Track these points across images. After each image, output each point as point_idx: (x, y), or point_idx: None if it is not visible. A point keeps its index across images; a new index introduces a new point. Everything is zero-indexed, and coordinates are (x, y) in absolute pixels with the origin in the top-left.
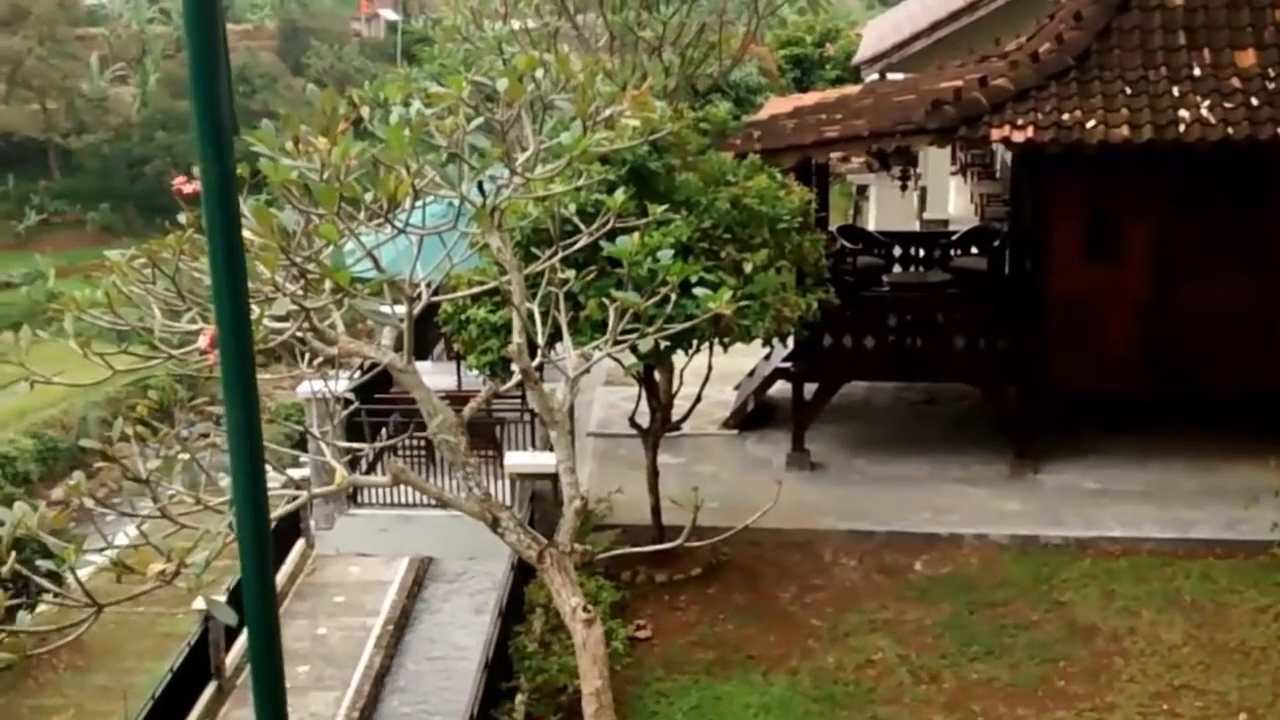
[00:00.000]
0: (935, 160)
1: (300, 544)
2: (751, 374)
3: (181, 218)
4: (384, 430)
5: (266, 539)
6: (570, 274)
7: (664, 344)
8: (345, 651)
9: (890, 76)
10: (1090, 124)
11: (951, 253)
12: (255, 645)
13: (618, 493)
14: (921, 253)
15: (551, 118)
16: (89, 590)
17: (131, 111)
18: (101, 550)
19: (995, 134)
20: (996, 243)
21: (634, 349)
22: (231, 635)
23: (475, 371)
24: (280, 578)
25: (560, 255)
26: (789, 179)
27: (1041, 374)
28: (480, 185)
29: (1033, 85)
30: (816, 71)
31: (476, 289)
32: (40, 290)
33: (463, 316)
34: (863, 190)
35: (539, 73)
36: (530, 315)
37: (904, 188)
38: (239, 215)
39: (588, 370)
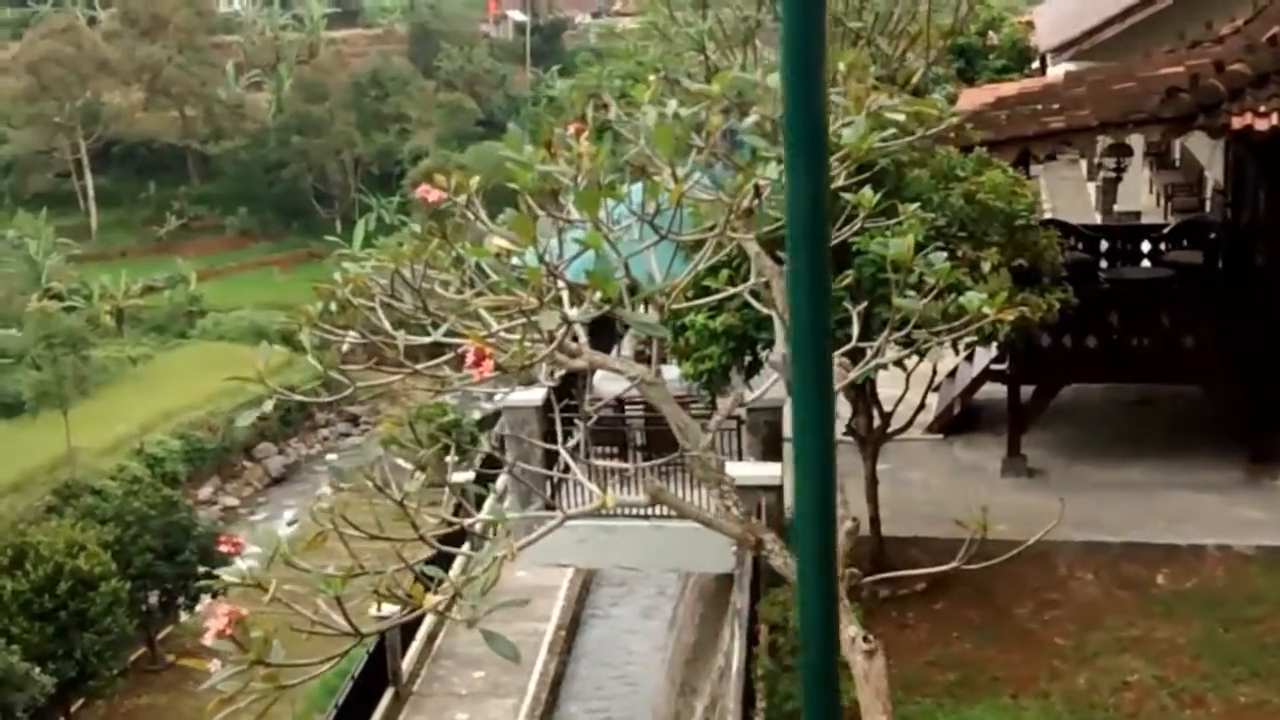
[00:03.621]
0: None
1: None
2: (952, 376)
3: (415, 226)
4: (569, 439)
5: (832, 581)
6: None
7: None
8: (520, 657)
9: (1059, 67)
10: None
11: (1161, 246)
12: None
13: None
14: (1128, 247)
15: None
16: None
17: (267, 117)
18: (359, 575)
19: (1237, 122)
20: (1212, 235)
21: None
22: (406, 640)
23: (689, 380)
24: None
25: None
26: (1019, 173)
27: (1277, 373)
28: (756, 188)
29: (1272, 70)
30: (980, 61)
31: (718, 295)
32: (183, 293)
33: (680, 322)
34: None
35: None
36: (758, 323)
37: (1118, 180)
38: (828, 236)
39: (851, 381)
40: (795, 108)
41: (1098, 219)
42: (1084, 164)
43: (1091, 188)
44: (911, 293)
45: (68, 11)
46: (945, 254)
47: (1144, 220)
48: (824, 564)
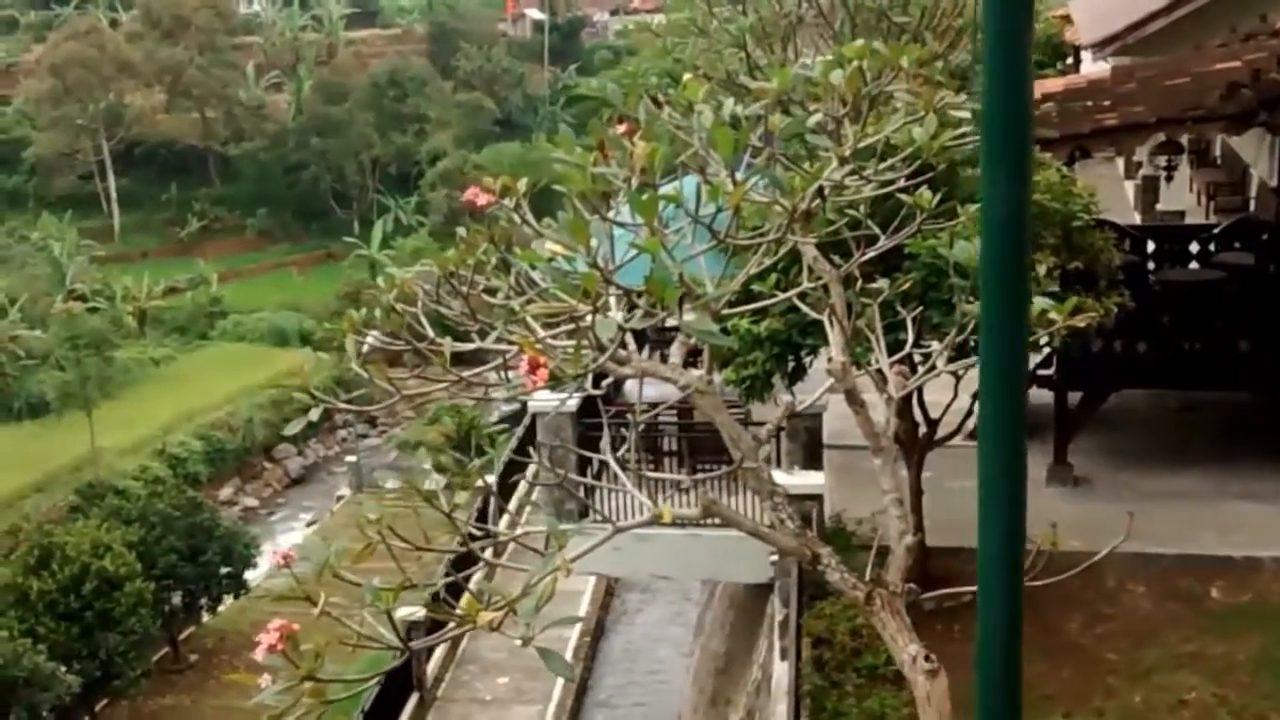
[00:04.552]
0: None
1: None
2: None
3: (461, 230)
4: (611, 445)
5: (1017, 636)
6: (884, 283)
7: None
8: (543, 663)
9: (1099, 63)
10: None
11: (1210, 248)
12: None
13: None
14: (1176, 248)
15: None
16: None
17: (287, 118)
18: (410, 587)
19: None
20: (1264, 236)
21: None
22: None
23: (730, 385)
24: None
25: (861, 259)
26: (1071, 173)
27: None
28: (821, 189)
29: None
30: None
31: (771, 300)
32: (204, 295)
33: (721, 327)
34: None
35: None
36: (804, 328)
37: (1168, 179)
38: (1027, 253)
39: (911, 389)
40: (997, 110)
41: (1137, 218)
42: (1120, 161)
43: (1129, 186)
44: (972, 297)
45: (90, 14)
46: None
47: (1188, 220)
48: (1009, 617)
